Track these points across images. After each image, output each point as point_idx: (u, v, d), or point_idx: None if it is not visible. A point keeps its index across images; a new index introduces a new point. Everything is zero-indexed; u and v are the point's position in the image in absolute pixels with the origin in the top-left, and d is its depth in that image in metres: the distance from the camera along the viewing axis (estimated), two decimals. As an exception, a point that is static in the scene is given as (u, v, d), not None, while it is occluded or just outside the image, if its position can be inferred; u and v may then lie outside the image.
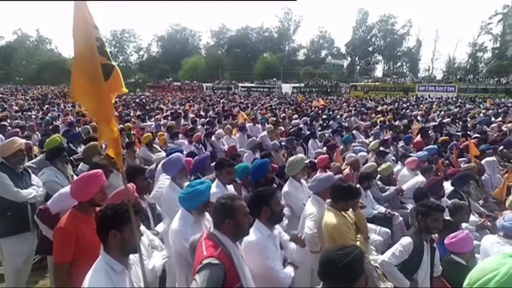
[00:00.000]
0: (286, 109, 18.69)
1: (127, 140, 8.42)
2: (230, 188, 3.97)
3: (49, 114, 13.73)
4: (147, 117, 14.39)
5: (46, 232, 3.21)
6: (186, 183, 3.75)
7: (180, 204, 2.86)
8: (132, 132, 10.12)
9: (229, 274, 2.03)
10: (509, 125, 12.17)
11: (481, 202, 5.73)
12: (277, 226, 2.78)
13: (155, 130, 10.45)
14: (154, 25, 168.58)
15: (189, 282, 2.07)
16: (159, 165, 4.57)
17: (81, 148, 6.72)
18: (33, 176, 4.16)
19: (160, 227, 3.40)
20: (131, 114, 15.68)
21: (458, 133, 10.80)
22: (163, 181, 4.18)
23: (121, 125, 10.32)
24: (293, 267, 2.70)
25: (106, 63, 2.14)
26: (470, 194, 5.21)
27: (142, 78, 69.84)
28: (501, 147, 8.29)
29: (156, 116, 13.35)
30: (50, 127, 9.89)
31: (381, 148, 7.54)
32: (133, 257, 2.24)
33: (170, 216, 3.31)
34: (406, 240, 3.00)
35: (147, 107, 20.24)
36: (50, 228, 3.11)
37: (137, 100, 27.70)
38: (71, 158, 5.58)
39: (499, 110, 18.18)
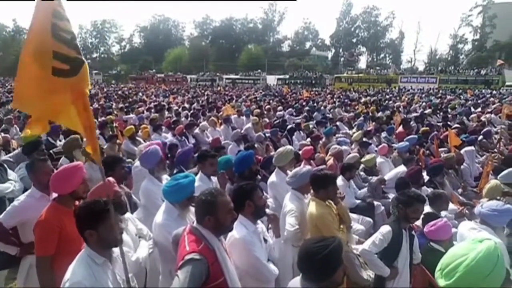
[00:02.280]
0: (270, 101, 18.69)
1: (110, 133, 8.29)
2: (214, 180, 3.94)
3: (27, 107, 13.33)
4: (130, 110, 14.16)
5: (3, 248, 3.06)
6: (165, 176, 3.74)
7: (164, 197, 2.83)
8: (114, 125, 9.97)
9: (212, 269, 2.01)
10: (488, 115, 12.51)
11: (460, 190, 5.88)
12: (259, 221, 2.76)
13: (138, 123, 10.30)
14: (136, 15, 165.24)
15: (173, 277, 2.03)
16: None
17: (60, 142, 6.57)
18: (9, 171, 4.06)
19: (134, 215, 3.34)
20: (113, 106, 15.39)
21: (439, 124, 11.02)
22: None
23: (103, 118, 10.17)
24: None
25: (76, 57, 2.07)
26: (443, 185, 5.32)
27: (125, 69, 68.48)
28: (480, 137, 8.51)
29: (138, 109, 13.07)
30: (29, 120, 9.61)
31: (364, 139, 7.64)
32: (117, 250, 2.22)
33: (149, 208, 3.29)
34: (385, 229, 3.05)
35: (130, 99, 19.90)
36: (6, 243, 3.02)
37: (119, 92, 27.20)
38: (50, 151, 5.46)
39: (479, 101, 18.63)
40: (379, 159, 6.57)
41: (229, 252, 2.25)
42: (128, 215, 2.79)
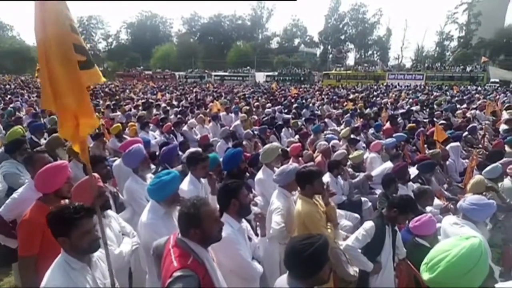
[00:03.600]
0: (259, 98, 18.68)
1: (96, 131, 8.18)
2: (204, 181, 3.87)
3: (11, 105, 13.09)
4: (117, 107, 13.99)
5: (3, 241, 3.07)
6: (149, 175, 3.69)
7: (149, 197, 2.81)
8: (101, 122, 9.83)
9: (203, 283, 1.92)
10: (473, 111, 12.74)
11: (445, 186, 5.98)
12: (243, 219, 2.75)
13: (125, 121, 10.18)
14: (122, 12, 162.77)
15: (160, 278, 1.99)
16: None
17: (45, 140, 6.45)
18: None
19: (121, 216, 3.29)
20: (100, 104, 15.17)
21: (425, 120, 11.17)
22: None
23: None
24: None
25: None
26: (430, 182, 5.41)
27: (112, 66, 67.54)
28: (466, 133, 8.66)
29: (124, 107, 12.91)
30: (13, 118, 9.42)
31: (352, 136, 7.70)
32: (98, 253, 2.18)
33: (134, 208, 3.26)
34: (368, 224, 3.11)
35: (117, 97, 19.65)
36: (6, 236, 2.99)
37: (106, 89, 26.84)
38: (34, 150, 5.35)
39: (464, 97, 18.94)
40: (371, 155, 6.62)
41: (214, 251, 2.21)
42: (112, 212, 2.75)
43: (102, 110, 12.81)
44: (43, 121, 9.42)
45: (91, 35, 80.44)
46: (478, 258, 1.54)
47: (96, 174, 2.73)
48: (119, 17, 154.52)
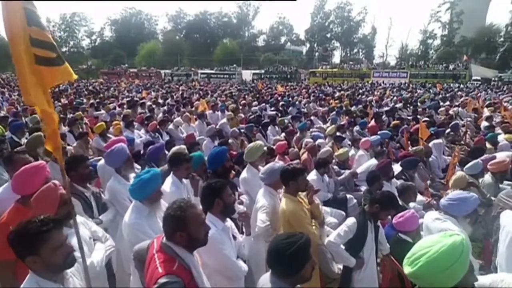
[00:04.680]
0: (246, 96, 18.65)
1: (79, 130, 8.04)
2: (186, 181, 3.82)
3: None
4: (101, 106, 13.76)
5: None
6: (132, 175, 3.63)
7: (132, 197, 2.77)
8: (84, 121, 9.67)
9: None
10: (455, 109, 12.99)
11: (428, 182, 6.08)
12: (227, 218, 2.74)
13: (109, 119, 10.02)
14: (106, 8, 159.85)
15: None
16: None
17: (26, 140, 6.31)
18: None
19: (104, 216, 3.27)
20: (84, 102, 14.91)
21: (409, 117, 11.34)
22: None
23: (72, 115, 9.84)
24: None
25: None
26: (413, 178, 5.50)
27: (96, 64, 66.39)
28: (448, 130, 8.82)
29: (108, 105, 12.71)
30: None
31: (338, 133, 7.76)
32: (71, 269, 2.02)
33: (117, 208, 3.21)
34: (351, 221, 3.14)
35: (101, 95, 19.34)
36: None
37: (90, 87, 26.39)
38: (14, 150, 5.23)
39: (447, 95, 19.30)
40: (360, 152, 6.67)
41: (198, 251, 2.17)
42: (80, 218, 2.65)
43: (86, 108, 12.59)
44: (24, 120, 9.20)
45: (75, 32, 78.93)
46: (459, 255, 1.58)
47: (56, 182, 2.57)
48: (103, 14, 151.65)
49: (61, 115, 9.57)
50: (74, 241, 2.23)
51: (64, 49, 75.61)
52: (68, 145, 6.45)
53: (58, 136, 2.23)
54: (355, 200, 5.39)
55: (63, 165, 2.31)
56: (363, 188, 5.65)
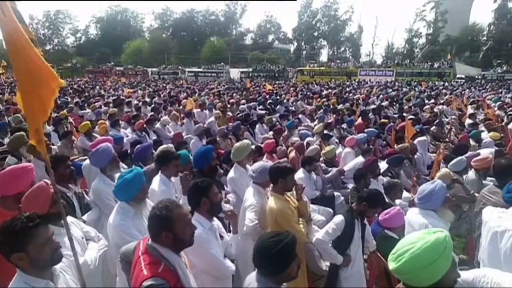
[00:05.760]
0: (233, 94, 18.61)
1: (64, 129, 7.89)
2: (174, 180, 3.79)
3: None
4: (86, 104, 13.55)
5: None
6: (117, 175, 3.59)
7: (117, 198, 2.74)
8: (69, 120, 9.51)
9: None
10: (440, 107, 13.21)
11: (414, 179, 6.16)
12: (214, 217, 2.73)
13: (94, 118, 9.87)
14: (91, 6, 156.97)
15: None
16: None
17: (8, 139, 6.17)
18: None
19: (87, 217, 3.23)
20: (69, 101, 14.66)
21: (395, 115, 11.48)
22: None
23: (56, 114, 9.66)
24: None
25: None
26: (399, 175, 5.57)
27: (81, 62, 65.25)
28: (433, 127, 8.96)
29: (94, 104, 12.53)
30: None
31: (325, 131, 7.80)
32: (61, 264, 2.01)
33: (102, 209, 3.16)
34: (338, 218, 3.17)
35: (86, 94, 19.05)
36: None
37: (75, 86, 25.97)
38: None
39: (432, 93, 19.60)
40: (346, 150, 6.71)
41: (185, 251, 2.14)
42: (71, 218, 2.62)
43: (71, 106, 12.39)
44: (7, 119, 9.00)
45: (59, 30, 77.36)
46: (442, 251, 1.60)
47: (47, 181, 2.53)
48: (88, 11, 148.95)
49: (45, 115, 9.38)
50: (66, 241, 2.22)
51: (48, 47, 74.21)
52: (53, 144, 6.33)
53: (41, 130, 2.20)
54: (342, 198, 5.43)
55: (48, 159, 2.27)
56: (350, 185, 5.70)
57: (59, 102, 13.45)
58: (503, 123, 9.39)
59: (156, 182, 3.57)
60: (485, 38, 59.42)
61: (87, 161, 4.14)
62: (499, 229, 2.41)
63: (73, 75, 48.87)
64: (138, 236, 2.44)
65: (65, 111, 10.39)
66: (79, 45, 78.21)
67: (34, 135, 2.14)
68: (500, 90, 22.76)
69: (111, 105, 12.60)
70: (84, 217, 3.20)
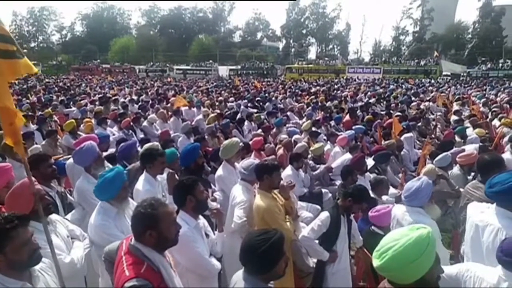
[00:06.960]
0: (222, 92, 18.53)
1: (49, 128, 7.74)
2: (159, 178, 3.72)
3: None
4: (72, 102, 13.32)
5: None
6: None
7: (98, 198, 2.69)
8: (54, 118, 9.33)
9: None
10: (426, 103, 13.38)
11: (400, 175, 6.22)
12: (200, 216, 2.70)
13: (80, 116, 9.71)
14: (76, 3, 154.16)
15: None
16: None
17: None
18: None
19: (70, 216, 3.17)
20: (54, 98, 14.39)
21: (382, 112, 11.58)
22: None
23: (40, 112, 9.48)
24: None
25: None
26: (385, 172, 5.61)
27: (66, 60, 64.15)
28: (419, 123, 9.06)
29: (80, 102, 12.32)
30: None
31: (313, 129, 7.82)
32: (41, 264, 1.97)
33: (87, 209, 3.10)
34: (324, 215, 3.17)
35: (72, 92, 18.73)
36: None
37: (60, 84, 25.51)
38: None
39: (418, 90, 19.83)
40: (335, 149, 6.70)
41: (170, 250, 2.11)
42: (56, 216, 2.58)
43: (56, 105, 12.16)
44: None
45: (44, 27, 75.86)
46: (425, 248, 1.60)
47: (32, 178, 2.49)
48: (73, 8, 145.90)
49: (30, 113, 9.21)
50: (55, 239, 2.21)
51: (32, 44, 72.78)
52: (36, 143, 6.20)
53: (17, 131, 2.14)
54: (330, 195, 5.45)
55: (26, 160, 2.21)
56: (338, 182, 5.71)
57: (43, 100, 13.22)
58: (488, 120, 9.57)
59: (141, 182, 3.51)
60: (470, 36, 60.43)
61: (71, 160, 4.05)
62: (481, 224, 2.44)
63: (59, 73, 48.10)
64: (120, 236, 2.39)
65: (49, 109, 10.19)
66: (64, 42, 76.89)
67: (9, 136, 2.08)
68: (485, 87, 23.10)
69: (97, 103, 12.42)
70: (68, 216, 3.15)
